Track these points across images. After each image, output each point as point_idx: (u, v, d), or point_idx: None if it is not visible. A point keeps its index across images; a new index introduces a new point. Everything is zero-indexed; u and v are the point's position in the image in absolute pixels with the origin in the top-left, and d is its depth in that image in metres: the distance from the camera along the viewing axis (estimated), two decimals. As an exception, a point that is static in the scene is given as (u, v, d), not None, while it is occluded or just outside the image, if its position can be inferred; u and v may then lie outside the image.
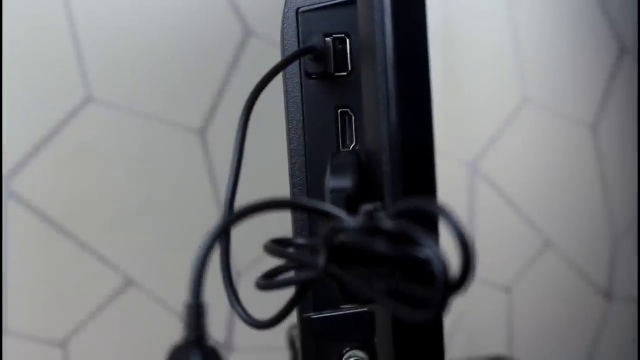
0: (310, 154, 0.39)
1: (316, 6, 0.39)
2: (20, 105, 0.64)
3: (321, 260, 0.24)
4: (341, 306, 0.39)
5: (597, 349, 0.85)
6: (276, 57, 0.40)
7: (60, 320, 0.66)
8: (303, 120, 0.39)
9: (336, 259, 0.24)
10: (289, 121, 0.39)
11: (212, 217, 0.69)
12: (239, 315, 0.32)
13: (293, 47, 0.39)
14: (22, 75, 0.64)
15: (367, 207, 0.25)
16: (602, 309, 0.85)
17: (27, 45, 0.64)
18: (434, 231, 0.26)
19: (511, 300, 0.81)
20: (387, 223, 0.23)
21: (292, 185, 0.39)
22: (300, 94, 0.39)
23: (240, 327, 0.68)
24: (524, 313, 0.81)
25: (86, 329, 0.66)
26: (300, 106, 0.39)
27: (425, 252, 0.21)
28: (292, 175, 0.39)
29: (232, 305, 0.32)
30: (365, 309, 0.38)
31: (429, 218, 0.23)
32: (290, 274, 0.29)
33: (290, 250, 0.30)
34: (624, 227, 0.85)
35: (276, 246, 0.26)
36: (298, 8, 0.39)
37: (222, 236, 0.25)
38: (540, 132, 0.82)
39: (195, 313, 0.22)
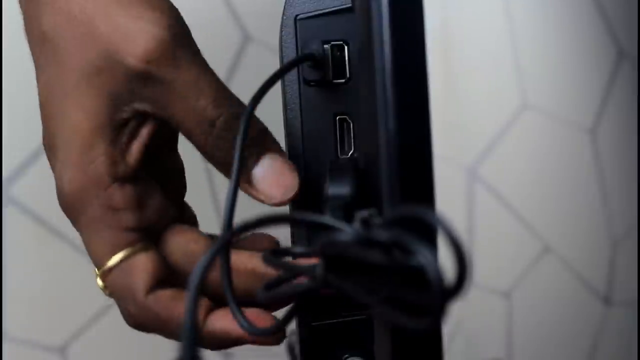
0: (309, 161, 0.39)
1: (314, 13, 0.39)
2: (20, 111, 0.64)
3: (320, 271, 0.24)
4: (340, 313, 0.39)
5: (597, 354, 0.85)
6: (275, 63, 0.40)
7: (60, 326, 0.66)
8: (302, 127, 0.39)
9: (334, 269, 0.24)
10: (287, 128, 0.39)
11: (211, 222, 0.69)
12: (240, 324, 0.32)
13: (292, 55, 0.39)
14: (21, 81, 0.64)
15: (362, 213, 0.25)
16: (601, 314, 0.84)
17: (27, 51, 0.64)
18: (431, 238, 0.26)
19: (510, 306, 0.81)
20: (380, 233, 0.23)
21: (291, 193, 0.39)
22: (298, 101, 0.39)
23: (240, 332, 0.68)
24: (523, 318, 0.81)
25: (86, 335, 0.66)
26: (299, 113, 0.39)
27: (419, 260, 0.21)
28: (290, 182, 0.39)
29: (234, 315, 0.32)
30: (364, 316, 0.38)
31: (426, 225, 0.23)
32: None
33: (289, 260, 0.30)
34: (623, 232, 0.85)
35: (275, 257, 0.26)
36: (296, 15, 0.39)
37: (221, 251, 0.25)
38: (539, 137, 0.82)
39: (190, 336, 0.22)
